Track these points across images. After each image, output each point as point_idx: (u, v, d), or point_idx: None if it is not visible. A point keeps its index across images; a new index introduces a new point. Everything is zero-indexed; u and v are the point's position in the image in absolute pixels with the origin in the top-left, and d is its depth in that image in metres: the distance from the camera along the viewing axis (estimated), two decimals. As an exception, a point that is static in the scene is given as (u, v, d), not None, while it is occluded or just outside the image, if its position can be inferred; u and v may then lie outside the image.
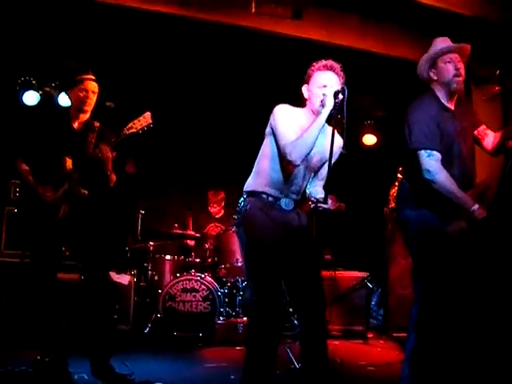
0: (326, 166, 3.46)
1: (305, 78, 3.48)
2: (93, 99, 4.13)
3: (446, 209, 3.40)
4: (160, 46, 5.88)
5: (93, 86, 4.13)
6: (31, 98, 6.50)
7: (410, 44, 5.79)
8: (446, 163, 3.40)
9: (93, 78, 4.15)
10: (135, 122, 4.07)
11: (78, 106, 4.13)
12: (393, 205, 6.05)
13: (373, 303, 6.84)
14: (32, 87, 6.49)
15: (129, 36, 5.70)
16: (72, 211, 4.04)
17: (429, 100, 3.50)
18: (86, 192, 4.06)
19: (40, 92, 6.52)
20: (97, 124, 4.19)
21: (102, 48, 5.94)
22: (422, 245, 3.49)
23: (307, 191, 3.57)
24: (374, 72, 5.93)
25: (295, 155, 3.24)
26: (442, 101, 3.51)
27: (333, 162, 3.29)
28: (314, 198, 3.36)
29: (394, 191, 6.15)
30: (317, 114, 3.31)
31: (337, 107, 3.25)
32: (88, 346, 4.01)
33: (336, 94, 3.25)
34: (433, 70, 3.50)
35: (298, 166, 3.33)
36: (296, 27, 5.47)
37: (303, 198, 3.57)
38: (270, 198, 3.42)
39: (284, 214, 3.45)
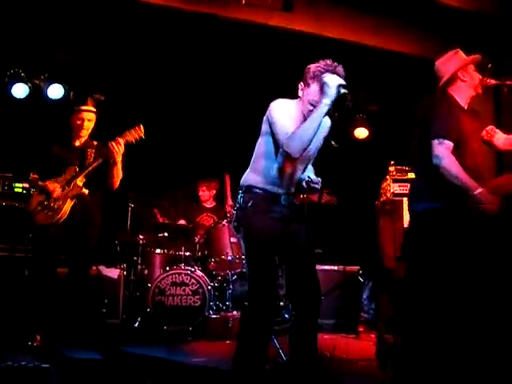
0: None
1: (308, 75, 3.35)
2: (88, 125, 4.94)
3: (460, 204, 3.45)
4: (149, 36, 5.84)
5: (89, 115, 4.93)
6: (20, 90, 6.42)
7: (402, 37, 5.78)
8: (460, 156, 3.52)
9: (88, 108, 4.93)
10: (129, 132, 4.72)
11: (75, 130, 4.94)
12: (384, 198, 6.02)
13: (364, 297, 6.81)
14: (21, 79, 6.42)
15: (117, 26, 5.68)
16: (76, 209, 4.74)
17: (449, 100, 3.76)
18: (87, 192, 4.77)
19: (29, 84, 6.45)
20: (94, 142, 4.97)
21: (90, 39, 5.92)
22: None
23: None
24: (365, 65, 5.90)
25: (293, 147, 3.21)
26: (460, 102, 3.75)
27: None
28: (306, 180, 3.39)
29: (385, 185, 6.11)
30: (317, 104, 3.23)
31: (337, 100, 3.18)
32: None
33: (339, 87, 3.18)
34: (463, 73, 3.75)
35: (297, 158, 3.30)
36: (286, 19, 5.44)
37: (296, 189, 3.57)
38: (270, 195, 3.42)
39: (283, 209, 3.46)
